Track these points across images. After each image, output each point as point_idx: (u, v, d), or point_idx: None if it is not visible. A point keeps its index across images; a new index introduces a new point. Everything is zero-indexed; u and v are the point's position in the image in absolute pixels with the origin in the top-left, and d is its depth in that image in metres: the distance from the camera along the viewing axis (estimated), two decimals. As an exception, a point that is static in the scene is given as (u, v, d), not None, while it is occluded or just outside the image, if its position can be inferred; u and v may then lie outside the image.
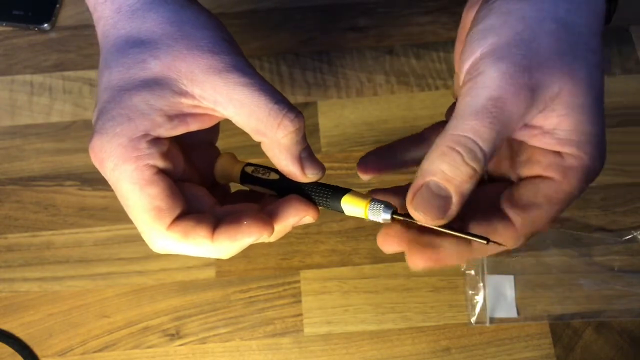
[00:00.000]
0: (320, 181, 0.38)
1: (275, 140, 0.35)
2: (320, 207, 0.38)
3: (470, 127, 0.32)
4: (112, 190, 0.34)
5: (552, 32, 0.32)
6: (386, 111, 0.57)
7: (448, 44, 0.59)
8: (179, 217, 0.35)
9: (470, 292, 0.51)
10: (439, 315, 0.51)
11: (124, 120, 0.33)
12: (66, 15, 0.62)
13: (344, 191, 0.37)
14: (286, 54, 0.59)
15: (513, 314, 0.50)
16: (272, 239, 0.37)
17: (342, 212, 0.37)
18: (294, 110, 0.35)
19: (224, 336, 0.50)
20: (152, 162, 0.34)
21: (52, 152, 0.56)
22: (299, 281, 0.52)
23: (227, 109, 0.34)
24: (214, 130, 0.41)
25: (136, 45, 0.35)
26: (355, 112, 0.57)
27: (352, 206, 0.37)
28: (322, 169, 0.37)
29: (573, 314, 0.50)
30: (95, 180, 0.55)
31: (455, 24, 0.61)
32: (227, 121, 0.35)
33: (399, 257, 0.52)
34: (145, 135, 0.34)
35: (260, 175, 0.39)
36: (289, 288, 0.52)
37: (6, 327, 0.51)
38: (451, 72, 0.58)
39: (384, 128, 0.56)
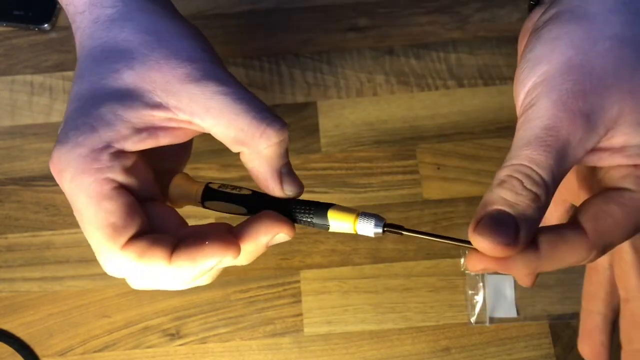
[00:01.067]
0: (304, 193, 0.36)
1: (256, 150, 0.33)
2: (300, 225, 0.35)
3: (525, 156, 0.31)
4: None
5: (606, 52, 0.31)
6: (386, 111, 0.57)
7: (448, 44, 0.59)
8: (136, 236, 0.32)
9: (470, 292, 0.51)
10: (438, 315, 0.51)
11: (87, 129, 0.32)
12: (66, 15, 0.61)
13: (327, 206, 0.35)
14: (286, 54, 0.59)
15: (513, 313, 0.50)
16: (245, 261, 0.35)
17: (327, 228, 0.35)
18: (279, 120, 0.33)
19: (224, 336, 0.50)
20: (112, 175, 0.32)
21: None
22: (299, 281, 0.52)
23: (204, 119, 0.33)
24: (183, 158, 0.40)
25: (111, 54, 0.33)
26: (355, 112, 0.57)
27: (339, 221, 0.34)
28: (301, 187, 0.35)
29: (573, 314, 0.50)
30: (96, 180, 0.55)
31: (456, 24, 0.61)
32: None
33: (399, 257, 0.52)
34: (108, 146, 0.32)
35: (229, 190, 0.36)
36: (289, 288, 0.52)
37: (6, 327, 0.51)
38: (451, 72, 0.58)
39: (384, 128, 0.56)
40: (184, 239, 0.33)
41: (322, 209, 0.35)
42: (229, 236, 0.33)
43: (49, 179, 0.55)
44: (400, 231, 0.34)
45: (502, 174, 0.31)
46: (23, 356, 0.50)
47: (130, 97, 0.33)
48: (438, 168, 0.55)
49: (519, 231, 0.30)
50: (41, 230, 0.54)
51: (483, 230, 0.30)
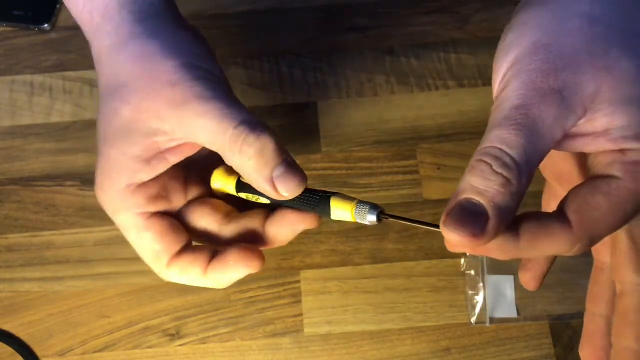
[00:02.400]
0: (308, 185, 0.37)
1: (240, 165, 0.34)
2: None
3: (494, 137, 0.30)
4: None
5: (576, 30, 0.30)
6: (386, 111, 0.57)
7: (448, 44, 0.59)
8: (179, 253, 0.37)
9: (470, 292, 0.51)
10: (438, 315, 0.51)
11: (107, 175, 0.36)
12: (66, 15, 0.61)
13: (329, 195, 0.36)
14: (286, 54, 0.59)
15: (513, 314, 0.50)
16: (275, 246, 0.38)
17: (329, 216, 0.36)
18: (255, 131, 0.33)
19: (224, 336, 0.50)
20: (141, 209, 0.36)
21: (52, 152, 0.56)
22: (299, 281, 0.52)
23: (197, 138, 0.34)
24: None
25: (111, 92, 0.36)
26: (355, 112, 0.57)
27: (339, 210, 0.36)
28: (302, 181, 0.35)
29: (573, 314, 0.50)
30: (96, 180, 0.55)
31: (456, 24, 0.61)
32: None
33: (399, 257, 0.52)
34: (128, 186, 0.35)
35: (250, 199, 0.39)
36: (289, 288, 0.52)
37: (6, 327, 0.51)
38: (451, 72, 0.58)
39: (384, 128, 0.56)
40: (222, 245, 0.37)
41: (325, 198, 0.36)
42: (252, 250, 0.37)
43: (49, 179, 0.55)
44: (394, 219, 0.35)
45: (473, 159, 0.30)
46: (23, 356, 0.50)
47: (131, 131, 0.35)
48: (438, 168, 0.55)
49: (489, 220, 0.29)
50: (41, 230, 0.54)
51: (451, 222, 0.29)
